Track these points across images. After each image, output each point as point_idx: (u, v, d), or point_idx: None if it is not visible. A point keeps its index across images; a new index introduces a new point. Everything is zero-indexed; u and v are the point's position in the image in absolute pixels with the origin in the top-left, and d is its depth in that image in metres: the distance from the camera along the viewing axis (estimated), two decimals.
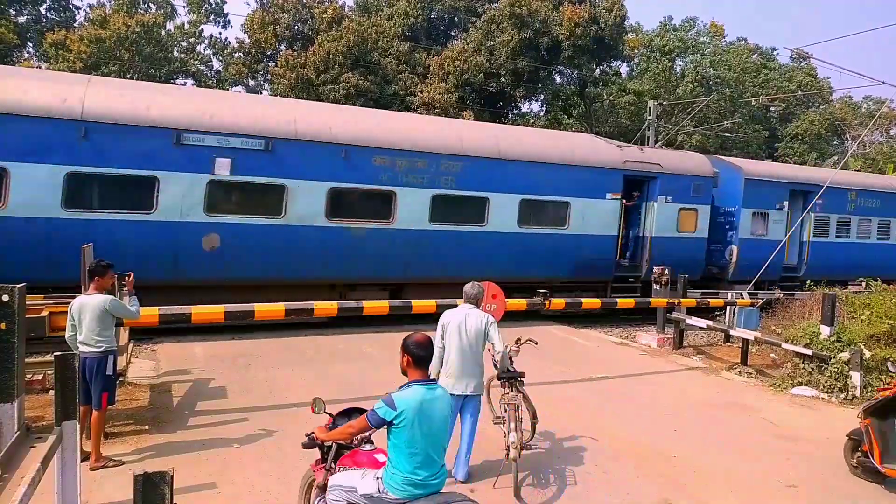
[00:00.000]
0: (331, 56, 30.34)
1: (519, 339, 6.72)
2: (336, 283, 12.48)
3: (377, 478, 3.76)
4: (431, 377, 5.83)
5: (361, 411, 4.03)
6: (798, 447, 7.34)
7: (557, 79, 36.32)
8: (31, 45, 36.57)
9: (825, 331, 10.07)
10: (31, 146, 9.82)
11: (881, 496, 6.16)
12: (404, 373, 3.91)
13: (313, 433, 4.10)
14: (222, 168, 11.04)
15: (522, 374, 6.26)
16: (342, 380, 8.88)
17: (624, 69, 42.42)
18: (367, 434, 4.02)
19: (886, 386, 6.93)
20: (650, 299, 12.67)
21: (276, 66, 32.09)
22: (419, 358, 3.83)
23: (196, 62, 38.20)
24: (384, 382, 8.85)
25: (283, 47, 34.51)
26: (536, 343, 6.92)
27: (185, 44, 38.15)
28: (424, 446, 3.66)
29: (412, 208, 12.67)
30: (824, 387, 9.62)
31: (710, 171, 16.40)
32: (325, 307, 8.75)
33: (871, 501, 6.08)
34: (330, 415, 4.31)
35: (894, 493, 6.13)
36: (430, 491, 3.68)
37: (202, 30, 38.96)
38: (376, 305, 9.19)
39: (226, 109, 11.46)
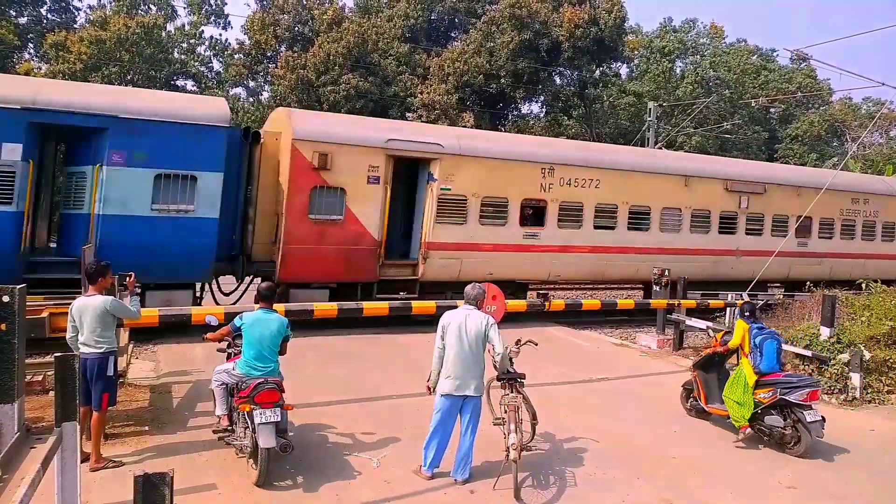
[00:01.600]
0: (331, 57, 30.37)
1: (519, 341, 6.71)
2: None
3: (234, 363, 6.07)
4: (432, 377, 5.92)
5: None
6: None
7: (557, 80, 36.32)
8: (31, 46, 36.60)
9: (825, 332, 10.06)
10: None
11: (873, 497, 6.15)
12: (256, 302, 6.26)
13: (206, 336, 6.48)
14: None
15: (522, 376, 6.25)
16: (341, 380, 8.88)
17: (624, 70, 42.45)
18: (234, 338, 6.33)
19: (707, 346, 8.61)
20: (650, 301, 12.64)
21: (277, 67, 32.11)
22: (262, 295, 6.20)
23: (196, 63, 38.22)
24: (383, 382, 8.92)
25: (283, 49, 34.53)
26: (536, 344, 6.91)
27: (185, 45, 38.17)
28: (258, 346, 5.92)
29: None
30: (824, 388, 9.59)
31: None
32: (325, 308, 8.75)
33: (867, 499, 6.09)
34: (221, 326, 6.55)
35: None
36: (260, 373, 5.85)
37: (202, 31, 39.01)
38: (376, 307, 9.19)
39: None
